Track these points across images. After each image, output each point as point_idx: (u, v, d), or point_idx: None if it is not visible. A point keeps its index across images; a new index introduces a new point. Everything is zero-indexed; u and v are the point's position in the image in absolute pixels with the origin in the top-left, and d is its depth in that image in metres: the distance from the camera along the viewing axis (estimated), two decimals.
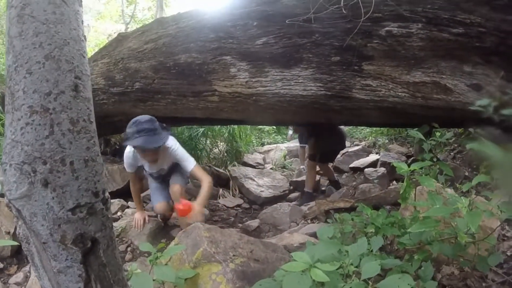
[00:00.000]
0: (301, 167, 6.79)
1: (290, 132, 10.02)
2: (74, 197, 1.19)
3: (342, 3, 3.07)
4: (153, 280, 1.85)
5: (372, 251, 1.91)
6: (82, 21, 1.27)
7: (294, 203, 4.75)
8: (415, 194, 2.45)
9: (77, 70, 1.21)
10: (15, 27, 1.14)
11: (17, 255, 3.24)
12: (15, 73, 1.15)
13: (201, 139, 6.66)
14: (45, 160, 1.14)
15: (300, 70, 3.22)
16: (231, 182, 5.82)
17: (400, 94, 3.07)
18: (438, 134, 3.36)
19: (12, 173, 1.16)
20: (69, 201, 1.18)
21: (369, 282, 1.46)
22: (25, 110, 1.13)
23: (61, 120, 1.16)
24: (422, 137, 2.79)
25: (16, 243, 1.29)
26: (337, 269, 1.53)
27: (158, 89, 3.82)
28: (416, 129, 3.15)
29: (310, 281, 1.34)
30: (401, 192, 2.22)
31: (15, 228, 3.16)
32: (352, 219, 2.56)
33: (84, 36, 1.27)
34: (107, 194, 1.31)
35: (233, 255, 2.17)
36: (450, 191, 2.58)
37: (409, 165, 2.26)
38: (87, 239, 1.24)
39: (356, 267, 1.64)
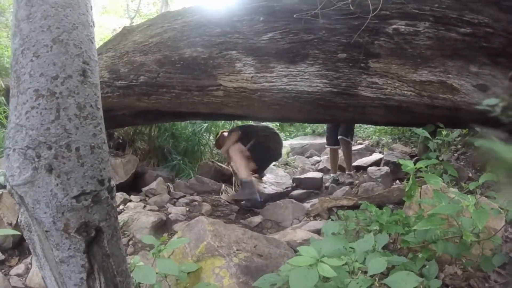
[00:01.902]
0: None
1: None
2: (79, 184, 1.16)
3: (349, 0, 3.06)
4: (156, 273, 1.84)
5: (374, 248, 1.90)
6: (91, 6, 1.25)
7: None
8: (420, 193, 2.44)
9: (85, 55, 1.19)
10: (23, 10, 1.12)
11: (19, 247, 3.23)
12: (21, 56, 1.12)
13: (204, 134, 6.65)
14: (50, 145, 1.12)
15: (306, 66, 3.21)
16: (233, 178, 5.80)
17: (406, 92, 3.06)
18: (444, 133, 3.34)
19: (16, 158, 1.13)
20: (73, 188, 1.16)
21: (376, 278, 1.45)
22: (30, 94, 1.11)
23: (68, 104, 1.14)
24: (428, 136, 2.78)
25: (17, 233, 1.26)
26: (342, 265, 1.52)
27: (162, 83, 3.81)
28: (422, 128, 3.14)
29: (317, 276, 1.32)
30: (406, 190, 2.21)
31: (17, 220, 3.14)
32: (356, 216, 2.55)
33: (93, 22, 1.25)
34: (112, 182, 1.28)
35: (237, 250, 2.16)
36: (454, 191, 2.57)
37: (414, 164, 2.25)
38: (91, 228, 1.21)
39: (361, 264, 1.63)
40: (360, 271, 1.58)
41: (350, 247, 1.77)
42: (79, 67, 1.17)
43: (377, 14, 2.96)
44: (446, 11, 2.92)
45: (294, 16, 3.18)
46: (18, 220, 1.25)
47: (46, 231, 1.18)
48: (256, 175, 5.46)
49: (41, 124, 1.11)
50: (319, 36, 3.18)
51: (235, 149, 4.94)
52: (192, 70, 3.59)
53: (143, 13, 16.97)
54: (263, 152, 5.13)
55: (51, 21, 1.13)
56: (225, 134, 5.61)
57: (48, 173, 1.13)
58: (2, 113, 5.30)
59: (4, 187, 3.31)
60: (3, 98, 5.53)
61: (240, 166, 4.78)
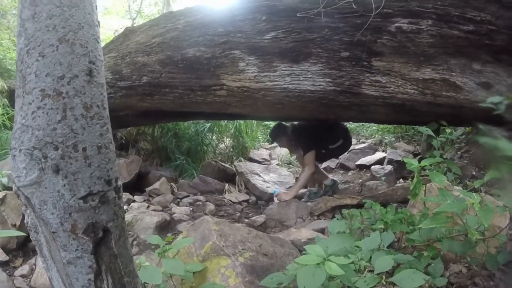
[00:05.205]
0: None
1: None
2: (86, 185, 1.15)
3: None
4: (161, 273, 1.84)
5: (380, 247, 1.90)
6: (97, 6, 1.24)
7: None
8: (424, 191, 2.43)
9: (91, 55, 1.18)
10: (28, 10, 1.11)
11: (23, 248, 3.23)
12: (27, 56, 1.11)
13: (207, 134, 6.64)
14: (56, 146, 1.11)
15: (309, 65, 3.21)
16: (237, 177, 5.80)
17: (409, 91, 3.06)
18: (448, 131, 3.34)
19: (22, 159, 1.12)
20: (81, 189, 1.14)
21: (382, 276, 1.45)
22: (36, 94, 1.10)
23: (74, 104, 1.12)
24: (432, 134, 2.77)
25: (21, 234, 1.24)
26: (349, 263, 1.52)
27: (165, 83, 3.81)
28: (425, 126, 3.14)
29: (325, 275, 1.32)
30: (411, 188, 2.20)
31: (21, 221, 3.15)
32: (361, 214, 2.54)
33: (98, 22, 1.24)
34: (119, 182, 1.27)
35: (242, 249, 2.16)
36: (459, 189, 2.56)
37: (418, 162, 2.25)
38: (98, 228, 1.20)
39: (367, 262, 1.64)
40: (367, 270, 1.58)
41: (356, 246, 1.77)
42: (86, 67, 1.16)
43: (379, 12, 2.96)
44: (448, 9, 2.92)
45: (297, 15, 3.19)
46: (25, 221, 1.24)
47: (53, 232, 1.17)
48: None
49: (47, 124, 1.10)
50: (321, 35, 3.18)
51: None
52: (195, 70, 3.60)
53: (144, 13, 16.94)
54: None
55: (56, 21, 1.11)
56: None
57: (55, 174, 1.12)
58: (5, 114, 5.31)
59: (7, 188, 3.32)
60: (6, 100, 5.54)
61: None
